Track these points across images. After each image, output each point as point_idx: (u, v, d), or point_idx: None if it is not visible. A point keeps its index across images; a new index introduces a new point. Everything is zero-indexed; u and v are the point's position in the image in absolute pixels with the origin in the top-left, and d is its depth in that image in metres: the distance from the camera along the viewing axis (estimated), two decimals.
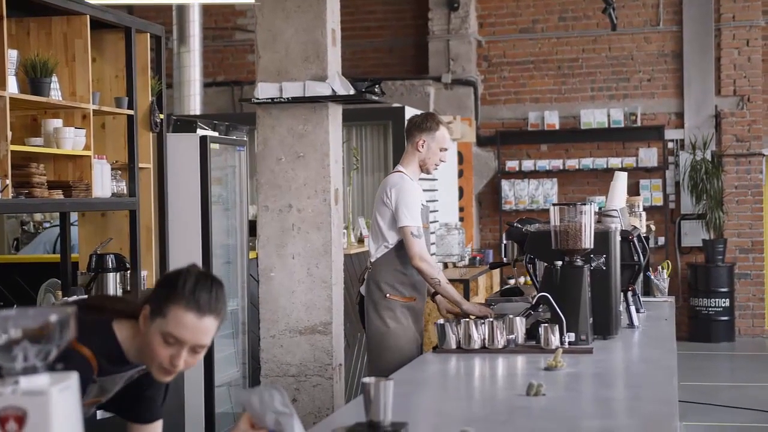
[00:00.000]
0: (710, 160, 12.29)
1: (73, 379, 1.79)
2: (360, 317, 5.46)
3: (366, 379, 2.74)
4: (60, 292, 5.39)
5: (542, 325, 4.24)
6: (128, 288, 5.54)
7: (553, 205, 4.47)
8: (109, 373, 2.67)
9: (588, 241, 4.39)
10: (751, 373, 10.64)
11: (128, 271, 5.51)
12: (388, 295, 5.18)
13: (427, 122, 5.29)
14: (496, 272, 11.35)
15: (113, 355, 2.65)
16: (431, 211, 9.64)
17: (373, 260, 5.27)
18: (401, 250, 5.19)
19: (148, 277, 5.81)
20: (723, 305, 12.17)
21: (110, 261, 5.37)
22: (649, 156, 12.57)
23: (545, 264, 4.55)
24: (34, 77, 4.76)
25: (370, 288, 5.25)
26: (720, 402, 8.85)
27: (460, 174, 12.33)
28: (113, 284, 5.36)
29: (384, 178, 5.39)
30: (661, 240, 12.50)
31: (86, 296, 4.60)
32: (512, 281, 12.23)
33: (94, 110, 5.23)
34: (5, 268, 6.49)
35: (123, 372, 2.73)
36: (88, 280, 5.36)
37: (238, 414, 6.81)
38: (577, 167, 12.69)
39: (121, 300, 2.76)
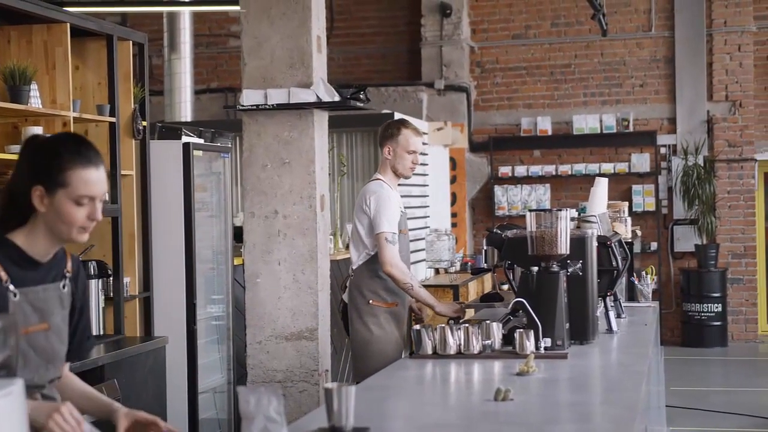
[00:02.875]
0: (702, 165, 12.30)
1: (17, 385, 1.81)
2: (344, 324, 5.50)
3: (327, 385, 2.77)
4: None
5: (518, 330, 4.25)
6: (111, 295, 5.55)
7: (530, 210, 4.49)
8: (26, 281, 2.69)
9: (564, 247, 4.40)
10: (744, 378, 10.64)
11: (110, 278, 5.53)
12: (371, 301, 5.27)
13: (388, 129, 5.43)
14: (488, 278, 11.36)
15: (20, 259, 2.69)
16: (415, 218, 9.70)
17: (354, 267, 5.36)
18: None
19: (131, 283, 5.82)
20: (715, 310, 12.18)
21: (92, 268, 5.38)
22: (641, 161, 12.58)
23: (522, 269, 4.57)
24: (13, 85, 4.79)
25: (353, 295, 5.33)
26: (711, 407, 8.86)
27: (453, 180, 12.35)
28: (95, 291, 5.38)
29: (364, 187, 5.49)
30: (654, 245, 12.51)
31: None
32: (505, 287, 12.24)
33: (75, 118, 5.25)
34: None
35: (42, 279, 2.74)
36: None
37: (222, 420, 6.82)
38: (569, 173, 12.71)
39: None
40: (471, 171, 12.86)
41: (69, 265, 2.85)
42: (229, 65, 13.57)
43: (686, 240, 12.53)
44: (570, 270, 4.48)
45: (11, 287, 2.65)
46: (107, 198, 5.56)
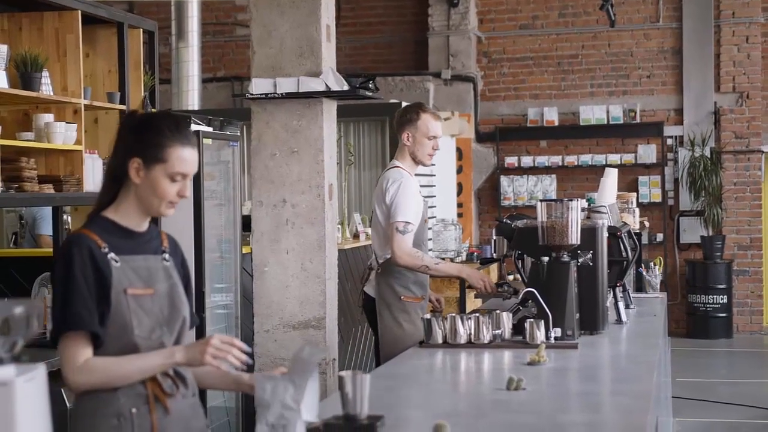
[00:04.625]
0: (709, 156, 12.29)
1: (39, 370, 1.82)
2: (368, 319, 5.33)
3: (342, 373, 2.77)
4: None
5: (528, 320, 4.25)
6: None
7: (540, 200, 4.48)
8: (125, 249, 2.81)
9: (575, 237, 4.40)
10: (749, 369, 10.65)
11: None
12: (402, 297, 5.11)
13: (407, 114, 5.25)
14: (494, 268, 11.36)
15: (115, 230, 2.82)
16: (429, 207, 9.68)
17: (381, 261, 5.17)
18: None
19: None
20: (721, 302, 12.18)
21: None
22: (648, 152, 12.58)
23: (532, 260, 4.57)
24: (24, 72, 4.78)
25: (383, 290, 5.16)
26: (716, 398, 8.87)
27: (459, 170, 12.35)
28: None
29: (382, 175, 5.32)
30: (660, 236, 12.50)
31: None
32: (510, 277, 12.24)
33: (86, 105, 5.25)
34: (1, 261, 6.51)
35: (141, 249, 2.86)
36: None
37: (230, 408, 6.83)
38: (576, 163, 12.70)
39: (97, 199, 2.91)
40: (477, 161, 12.85)
41: (165, 242, 2.96)
42: (236, 54, 13.57)
43: (692, 231, 12.53)
44: (580, 260, 4.48)
45: (111, 254, 2.77)
46: None
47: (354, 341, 7.55)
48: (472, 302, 9.25)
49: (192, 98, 10.41)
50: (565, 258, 4.41)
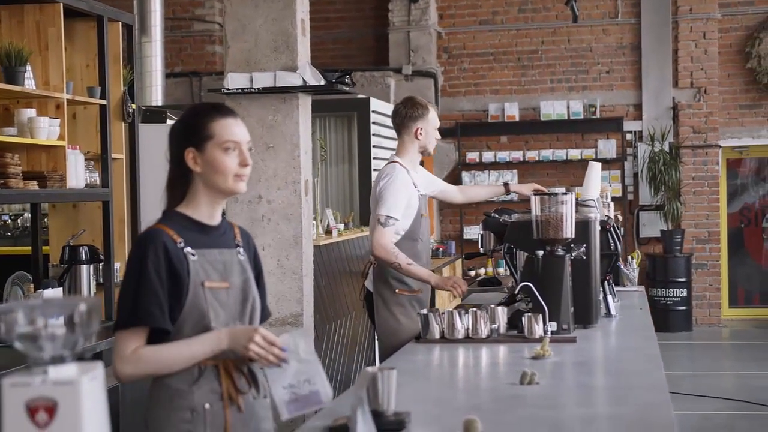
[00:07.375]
0: (668, 151, 12.42)
1: (99, 368, 1.77)
2: (368, 312, 5.32)
3: (370, 369, 2.74)
4: (31, 285, 5.31)
5: (525, 314, 4.25)
6: (101, 280, 5.47)
7: (535, 194, 4.48)
8: (200, 243, 2.83)
9: (569, 231, 4.40)
10: (709, 361, 10.78)
11: (101, 263, 5.44)
12: (397, 290, 5.12)
13: (417, 110, 5.25)
14: (458, 263, 11.40)
15: (189, 224, 2.84)
16: None
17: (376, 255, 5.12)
18: (406, 243, 5.10)
19: (122, 268, 5.73)
20: (681, 295, 12.32)
21: (83, 253, 5.29)
22: (608, 147, 12.67)
23: (526, 254, 4.56)
24: (8, 66, 4.68)
25: (378, 284, 5.16)
26: (677, 390, 8.96)
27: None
28: (86, 276, 5.29)
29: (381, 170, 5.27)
30: (620, 231, 12.59)
31: None
32: (472, 273, 12.28)
33: (69, 100, 5.15)
34: None
35: (216, 243, 2.86)
36: (61, 272, 5.28)
37: None
38: (537, 159, 12.75)
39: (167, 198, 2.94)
40: (438, 157, 12.85)
41: (238, 235, 2.96)
42: (194, 49, 13.42)
43: (652, 225, 12.65)
44: (574, 254, 4.48)
45: (188, 248, 2.79)
46: (98, 182, 5.47)
47: (328, 338, 7.51)
48: (442, 300, 9.25)
49: (156, 94, 10.28)
50: (560, 252, 4.42)
